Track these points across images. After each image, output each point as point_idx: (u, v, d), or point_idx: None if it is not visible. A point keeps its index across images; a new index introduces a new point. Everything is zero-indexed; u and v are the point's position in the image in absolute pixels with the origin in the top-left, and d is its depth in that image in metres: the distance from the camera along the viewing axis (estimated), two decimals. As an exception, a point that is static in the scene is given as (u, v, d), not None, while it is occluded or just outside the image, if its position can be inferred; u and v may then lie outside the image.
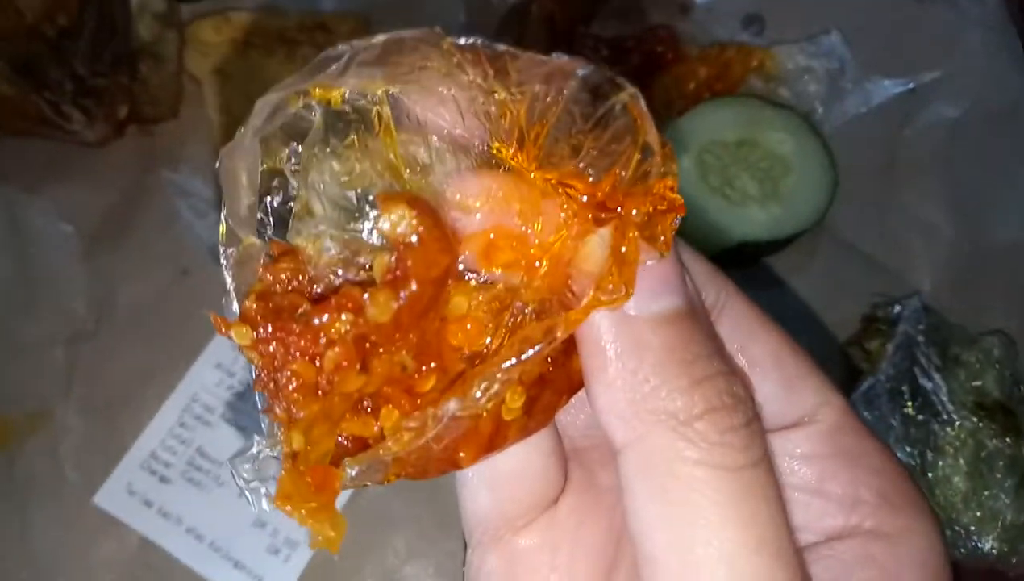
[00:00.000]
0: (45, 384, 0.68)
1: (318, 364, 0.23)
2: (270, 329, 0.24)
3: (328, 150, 0.25)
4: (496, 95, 0.24)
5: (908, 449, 0.58)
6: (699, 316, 0.25)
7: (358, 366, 0.23)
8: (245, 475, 0.25)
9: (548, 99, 0.24)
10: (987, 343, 0.62)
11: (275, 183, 0.26)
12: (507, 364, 0.23)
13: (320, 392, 0.24)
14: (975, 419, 0.58)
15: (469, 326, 0.24)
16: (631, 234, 0.23)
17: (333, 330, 0.23)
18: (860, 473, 0.28)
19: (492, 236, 0.24)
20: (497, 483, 0.28)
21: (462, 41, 0.24)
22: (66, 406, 0.67)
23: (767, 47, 0.75)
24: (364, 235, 0.24)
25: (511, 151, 0.24)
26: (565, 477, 0.30)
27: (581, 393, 0.26)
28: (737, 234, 0.66)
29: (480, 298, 0.24)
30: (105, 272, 0.71)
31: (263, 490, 0.25)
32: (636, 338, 0.24)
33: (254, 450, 0.25)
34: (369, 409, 0.24)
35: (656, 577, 0.23)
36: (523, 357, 0.23)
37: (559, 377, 0.26)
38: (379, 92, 0.24)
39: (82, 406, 0.67)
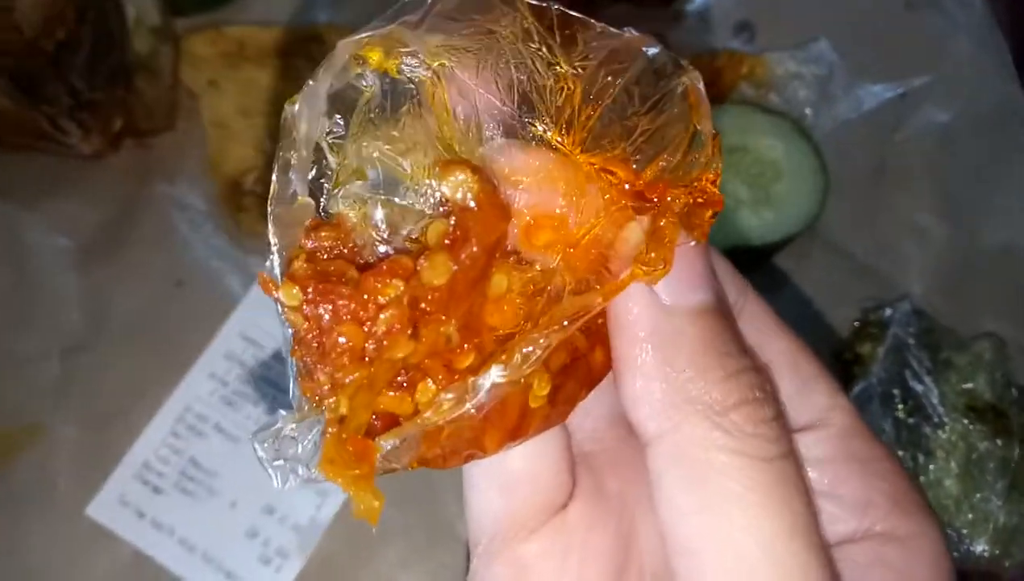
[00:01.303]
0: (39, 396, 0.68)
1: (366, 329, 0.23)
2: (319, 291, 0.23)
3: (383, 117, 0.25)
4: (557, 68, 0.24)
5: (900, 452, 0.58)
6: (728, 312, 0.25)
7: (409, 331, 0.23)
8: (267, 451, 0.25)
9: (608, 78, 0.24)
10: (978, 346, 0.61)
11: (312, 168, 0.25)
12: (549, 331, 0.23)
13: (366, 359, 0.23)
14: (966, 422, 0.58)
15: (506, 307, 0.24)
16: (670, 217, 0.24)
17: (386, 293, 0.23)
18: (871, 477, 0.28)
19: (531, 217, 0.24)
20: (508, 484, 0.28)
21: (536, 1, 0.24)
22: (60, 418, 0.67)
23: (757, 54, 0.76)
24: (413, 204, 0.24)
25: (556, 133, 0.24)
26: (574, 481, 0.30)
27: (595, 393, 0.26)
28: (729, 239, 0.66)
29: (518, 278, 0.24)
30: (100, 285, 0.71)
31: (286, 467, 0.25)
32: (673, 329, 0.24)
33: (279, 425, 0.25)
34: (405, 385, 0.24)
35: (693, 566, 0.24)
36: (565, 324, 0.23)
37: (581, 368, 0.26)
38: (435, 65, 0.24)
39: (76, 418, 0.67)
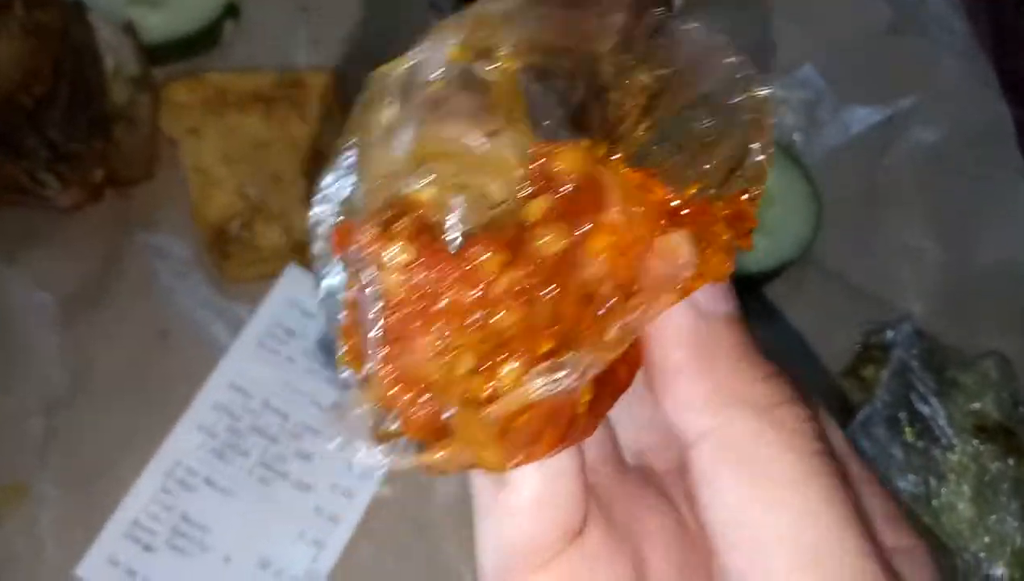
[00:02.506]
0: (23, 456, 0.66)
1: (472, 295, 0.22)
2: (430, 250, 0.22)
3: (450, 106, 0.24)
4: (632, 76, 0.23)
5: (911, 477, 0.57)
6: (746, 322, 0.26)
7: (524, 298, 0.22)
8: (341, 432, 0.24)
9: (678, 90, 0.23)
10: (983, 365, 0.61)
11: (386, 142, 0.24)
12: (616, 335, 0.23)
13: (471, 327, 0.22)
14: (976, 442, 0.57)
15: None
16: (718, 227, 0.23)
17: (493, 262, 0.22)
18: (868, 497, 0.28)
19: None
20: (525, 509, 0.27)
21: None
22: (45, 477, 0.65)
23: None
24: (488, 190, 0.23)
25: (605, 145, 0.23)
26: (587, 508, 0.28)
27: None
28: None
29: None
30: (82, 339, 0.70)
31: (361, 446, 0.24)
32: (714, 334, 0.24)
33: (348, 406, 0.24)
34: (481, 369, 0.23)
35: (755, 560, 0.24)
36: (630, 318, 0.23)
37: (611, 379, 0.25)
38: (510, 64, 0.23)
39: (62, 476, 0.65)
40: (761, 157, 0.24)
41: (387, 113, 0.24)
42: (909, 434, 0.58)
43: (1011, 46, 0.77)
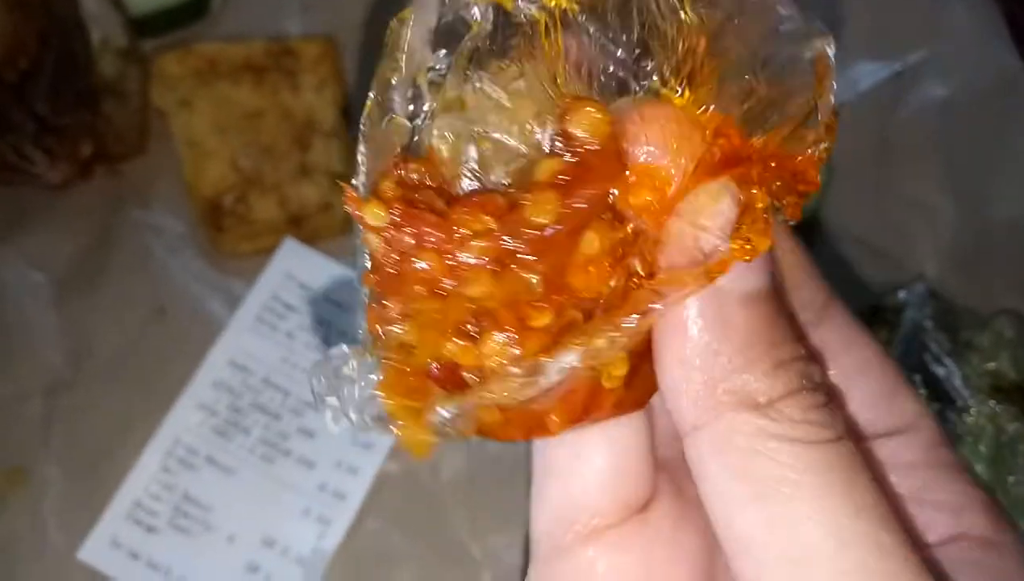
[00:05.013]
0: (23, 439, 0.65)
1: (449, 260, 0.22)
2: (406, 214, 0.22)
3: (490, 51, 0.23)
4: (682, 14, 0.22)
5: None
6: (782, 297, 0.24)
7: (493, 270, 0.22)
8: (322, 387, 0.24)
9: (734, 34, 0.22)
10: (998, 324, 0.59)
11: (409, 94, 0.24)
12: (639, 314, 0.21)
13: (442, 293, 0.22)
14: (992, 403, 0.56)
15: (592, 269, 0.22)
16: (761, 191, 0.22)
17: (474, 227, 0.22)
18: (965, 484, 0.27)
19: (634, 173, 0.22)
20: (591, 479, 0.26)
21: None
22: (45, 460, 0.65)
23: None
24: (512, 143, 0.23)
25: (676, 86, 0.22)
26: (655, 484, 0.28)
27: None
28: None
29: (608, 238, 0.22)
30: (79, 318, 0.69)
31: (338, 407, 0.24)
32: (722, 315, 0.22)
33: (338, 361, 0.24)
34: (474, 335, 0.22)
35: (755, 560, 0.22)
36: (659, 307, 0.21)
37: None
38: (552, 3, 0.22)
39: (62, 458, 0.65)
40: (829, 112, 0.22)
41: (409, 46, 0.23)
42: (924, 397, 0.57)
43: (1021, -4, 0.75)
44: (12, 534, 0.63)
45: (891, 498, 0.24)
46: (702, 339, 0.22)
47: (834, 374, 0.28)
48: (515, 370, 0.22)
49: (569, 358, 0.21)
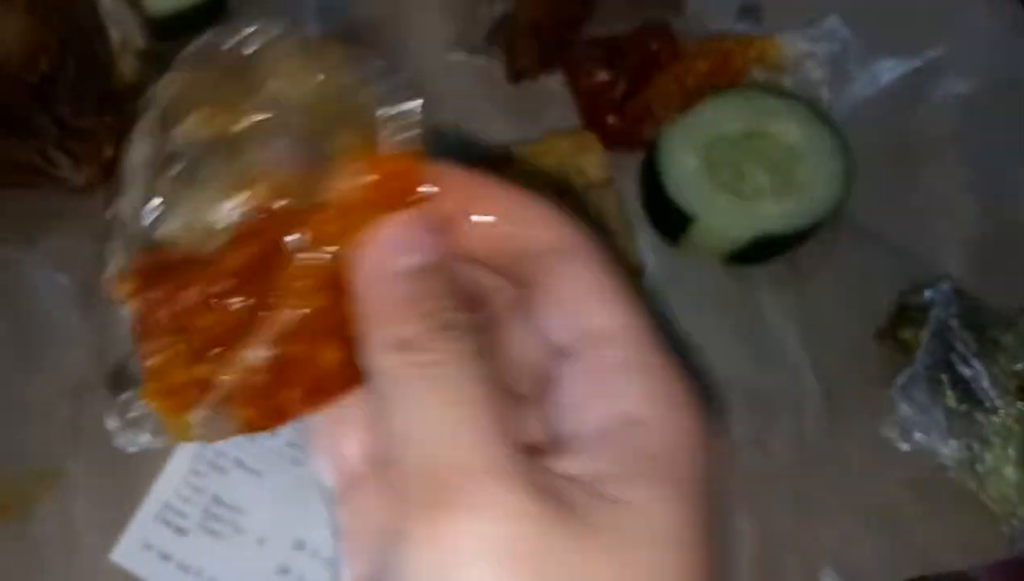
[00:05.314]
0: (53, 441, 0.66)
1: (179, 308, 0.28)
2: (144, 289, 0.29)
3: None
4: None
5: (953, 443, 0.56)
6: (440, 272, 0.28)
7: (208, 304, 0.28)
8: (115, 422, 0.31)
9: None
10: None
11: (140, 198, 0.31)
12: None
13: (182, 329, 0.28)
14: (1020, 404, 0.56)
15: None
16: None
17: (191, 281, 0.28)
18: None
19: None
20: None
21: None
22: (76, 462, 0.65)
23: (767, 35, 0.73)
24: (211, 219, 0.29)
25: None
26: None
27: None
28: (753, 230, 0.64)
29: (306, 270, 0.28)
30: (104, 320, 0.69)
31: (128, 432, 0.31)
32: (385, 289, 0.27)
33: (125, 398, 0.30)
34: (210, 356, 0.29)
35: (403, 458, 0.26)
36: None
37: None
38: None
39: (92, 460, 0.65)
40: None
41: (137, 179, 0.31)
42: (951, 398, 0.57)
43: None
44: (44, 536, 0.63)
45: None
46: (370, 309, 0.27)
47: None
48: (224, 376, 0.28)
49: (256, 352, 0.28)
